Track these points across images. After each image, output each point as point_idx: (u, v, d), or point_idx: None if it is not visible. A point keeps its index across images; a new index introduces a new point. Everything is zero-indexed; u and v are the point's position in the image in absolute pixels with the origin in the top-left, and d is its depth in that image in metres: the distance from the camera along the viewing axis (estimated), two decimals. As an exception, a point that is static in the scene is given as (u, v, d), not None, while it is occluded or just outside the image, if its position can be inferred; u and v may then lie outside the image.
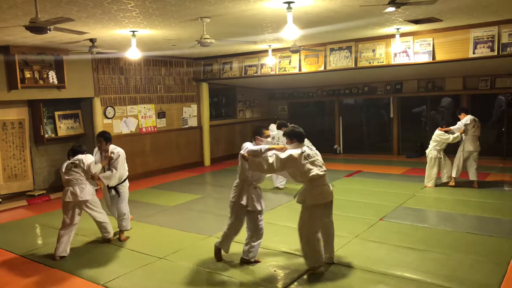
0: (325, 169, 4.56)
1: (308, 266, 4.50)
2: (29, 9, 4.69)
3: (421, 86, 11.28)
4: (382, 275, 4.38)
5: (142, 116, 10.20)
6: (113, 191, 5.71)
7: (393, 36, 7.84)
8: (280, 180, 8.47)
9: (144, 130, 10.22)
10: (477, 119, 7.99)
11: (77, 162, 5.37)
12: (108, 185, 5.66)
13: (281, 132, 8.49)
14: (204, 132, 11.63)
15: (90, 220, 6.61)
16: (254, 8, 5.25)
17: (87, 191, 5.33)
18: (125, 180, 5.78)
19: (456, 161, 8.06)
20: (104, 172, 5.51)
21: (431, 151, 8.12)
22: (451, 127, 8.04)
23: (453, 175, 8.06)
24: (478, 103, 11.11)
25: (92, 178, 5.38)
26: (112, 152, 5.56)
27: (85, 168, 5.32)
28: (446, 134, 7.98)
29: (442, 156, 8.08)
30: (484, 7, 5.90)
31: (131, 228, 5.87)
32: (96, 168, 5.40)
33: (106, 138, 5.58)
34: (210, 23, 5.91)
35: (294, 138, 4.56)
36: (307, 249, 4.49)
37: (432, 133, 8.25)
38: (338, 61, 8.79)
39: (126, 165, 5.79)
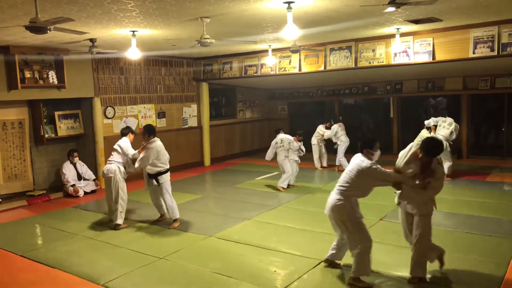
0: None
1: (420, 276, 4.21)
2: (29, 9, 4.69)
3: (421, 86, 11.28)
4: (382, 275, 4.38)
5: (142, 116, 10.20)
6: (154, 181, 6.24)
7: (393, 36, 7.84)
8: (283, 180, 8.44)
9: (144, 130, 10.21)
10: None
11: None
12: (149, 175, 6.27)
13: (283, 135, 8.48)
14: (204, 132, 11.63)
15: (90, 219, 6.62)
16: (254, 8, 5.25)
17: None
18: (164, 172, 6.25)
19: None
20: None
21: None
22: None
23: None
24: (478, 103, 11.13)
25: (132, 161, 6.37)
26: (149, 143, 6.19)
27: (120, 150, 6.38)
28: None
29: None
30: (484, 7, 5.89)
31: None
32: (133, 154, 6.37)
33: (146, 130, 6.28)
34: (210, 23, 5.91)
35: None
36: (423, 259, 4.22)
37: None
38: (338, 61, 8.78)
39: (165, 157, 6.32)
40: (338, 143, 10.12)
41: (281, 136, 8.51)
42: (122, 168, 6.40)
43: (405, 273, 4.40)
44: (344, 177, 4.29)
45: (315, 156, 10.63)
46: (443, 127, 8.66)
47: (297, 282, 4.32)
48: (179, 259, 5.02)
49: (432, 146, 4.12)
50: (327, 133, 10.29)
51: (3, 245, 5.73)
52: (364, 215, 6.40)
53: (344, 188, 4.25)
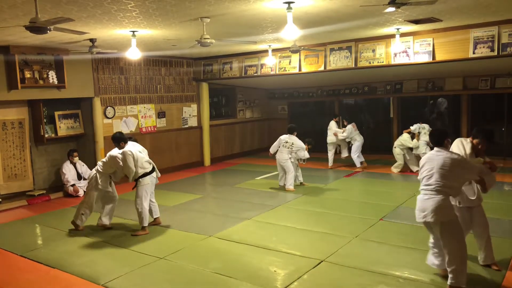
0: None
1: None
2: (29, 9, 4.69)
3: (421, 86, 11.28)
4: (382, 275, 4.38)
5: (142, 116, 10.20)
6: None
7: (393, 36, 7.84)
8: (290, 181, 8.38)
9: (144, 130, 10.22)
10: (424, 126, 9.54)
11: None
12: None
13: (295, 139, 8.42)
14: (204, 132, 11.63)
15: (90, 219, 6.62)
16: (254, 8, 5.25)
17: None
18: (142, 176, 5.99)
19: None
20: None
21: (395, 148, 9.82)
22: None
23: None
24: (478, 103, 11.12)
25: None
26: (122, 154, 5.93)
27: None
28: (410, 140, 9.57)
29: (405, 153, 9.75)
30: (484, 7, 5.89)
31: (146, 226, 6.04)
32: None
33: (114, 141, 6.05)
34: (210, 23, 5.91)
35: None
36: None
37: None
38: (338, 61, 8.78)
39: (143, 160, 6.04)
40: (352, 142, 10.36)
41: (294, 139, 8.36)
42: (99, 177, 6.08)
43: (405, 273, 4.42)
44: (435, 176, 4.03)
45: (333, 156, 10.59)
46: (424, 133, 9.33)
47: (297, 282, 4.32)
48: (179, 259, 5.02)
49: (492, 133, 4.37)
50: (343, 135, 10.39)
51: (3, 245, 5.73)
52: (364, 215, 6.46)
53: (441, 188, 4.00)
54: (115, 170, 6.12)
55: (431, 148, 4.33)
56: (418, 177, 4.31)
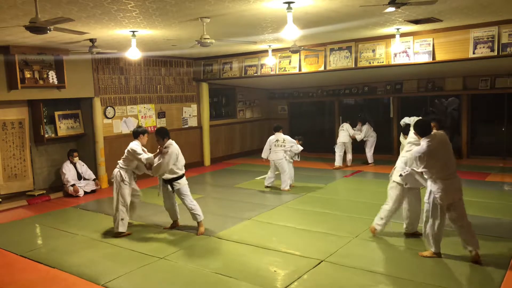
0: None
1: None
2: (29, 9, 4.69)
3: (421, 86, 11.28)
4: (382, 275, 4.38)
5: (142, 116, 10.20)
6: (169, 186, 5.93)
7: (393, 36, 7.84)
8: (284, 181, 8.38)
9: (144, 130, 10.21)
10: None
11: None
12: (164, 180, 5.92)
13: (284, 136, 8.43)
14: (204, 132, 11.63)
15: (90, 219, 6.62)
16: (254, 8, 5.25)
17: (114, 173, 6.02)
18: (180, 177, 5.90)
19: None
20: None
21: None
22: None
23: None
24: (478, 103, 11.13)
25: (146, 167, 5.85)
26: (166, 147, 5.73)
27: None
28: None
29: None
30: (484, 7, 5.90)
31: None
32: (147, 158, 5.81)
33: (160, 133, 5.81)
34: (210, 23, 5.91)
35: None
36: None
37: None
38: (338, 61, 8.78)
39: (183, 161, 5.94)
40: (369, 139, 10.69)
41: (283, 136, 8.44)
42: (124, 173, 5.92)
43: (405, 272, 4.41)
44: (450, 161, 4.61)
45: (341, 155, 10.58)
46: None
47: (297, 282, 4.33)
48: (179, 259, 5.02)
49: (441, 121, 5.27)
50: (360, 136, 10.56)
51: (3, 245, 5.73)
52: (364, 215, 6.46)
53: (455, 170, 4.66)
54: (137, 164, 5.98)
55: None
56: (423, 169, 4.55)
